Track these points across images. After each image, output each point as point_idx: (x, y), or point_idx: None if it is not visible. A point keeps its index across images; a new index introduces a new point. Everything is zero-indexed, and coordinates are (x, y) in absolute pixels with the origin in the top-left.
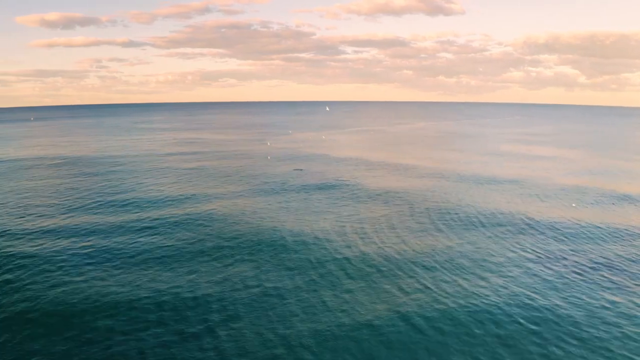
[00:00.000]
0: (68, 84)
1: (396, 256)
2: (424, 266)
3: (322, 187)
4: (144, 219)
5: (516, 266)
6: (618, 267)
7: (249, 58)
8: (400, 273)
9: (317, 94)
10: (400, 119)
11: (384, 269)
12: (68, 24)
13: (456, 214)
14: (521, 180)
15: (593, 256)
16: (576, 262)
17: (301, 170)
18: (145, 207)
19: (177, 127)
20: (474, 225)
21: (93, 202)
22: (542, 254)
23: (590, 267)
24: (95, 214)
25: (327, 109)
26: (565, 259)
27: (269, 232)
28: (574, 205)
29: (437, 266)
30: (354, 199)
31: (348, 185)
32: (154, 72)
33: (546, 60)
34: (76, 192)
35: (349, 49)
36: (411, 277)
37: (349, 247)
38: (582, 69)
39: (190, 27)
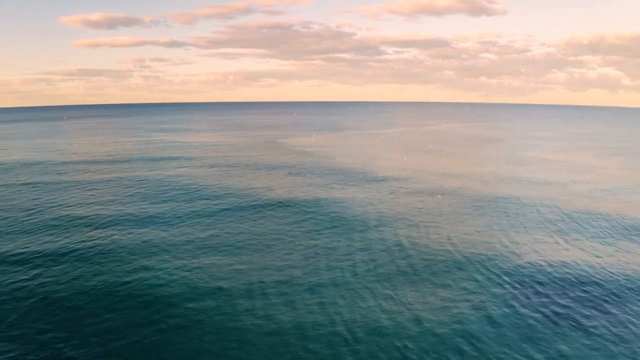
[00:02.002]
0: (112, 84)
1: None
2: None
3: (281, 206)
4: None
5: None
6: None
7: (290, 58)
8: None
9: (358, 94)
10: (431, 120)
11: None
12: (112, 24)
13: (434, 253)
14: (521, 199)
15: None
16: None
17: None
18: (38, 231)
19: (196, 128)
20: (451, 270)
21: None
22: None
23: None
24: None
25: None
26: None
27: (157, 282)
28: (577, 240)
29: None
30: (314, 224)
31: (319, 203)
32: (196, 72)
33: (589, 62)
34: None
35: (390, 49)
36: None
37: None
38: (626, 70)
39: (232, 28)
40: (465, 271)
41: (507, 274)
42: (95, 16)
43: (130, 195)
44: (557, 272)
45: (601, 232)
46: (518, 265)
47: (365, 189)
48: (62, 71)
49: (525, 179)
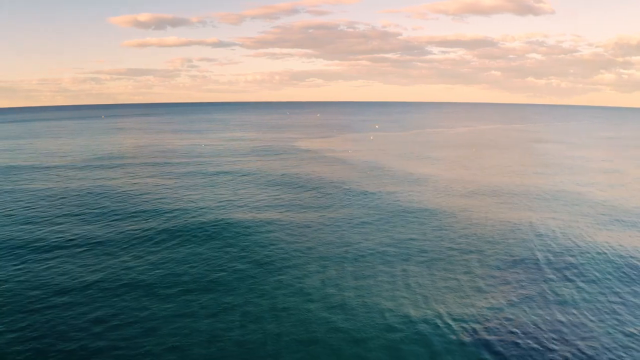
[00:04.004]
0: (160, 83)
1: None
2: None
3: (202, 234)
4: None
5: None
6: None
7: (336, 58)
8: None
9: (404, 94)
10: (467, 121)
11: None
12: (159, 24)
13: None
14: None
15: None
16: None
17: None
18: None
19: (220, 129)
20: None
21: None
22: None
23: None
24: None
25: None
26: None
27: None
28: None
29: None
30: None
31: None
32: (242, 72)
33: (638, 63)
34: None
35: (436, 49)
36: None
37: None
38: None
39: (278, 28)
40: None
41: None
42: (144, 17)
43: (69, 208)
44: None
45: (600, 279)
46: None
47: (343, 207)
48: (111, 70)
49: (537, 192)
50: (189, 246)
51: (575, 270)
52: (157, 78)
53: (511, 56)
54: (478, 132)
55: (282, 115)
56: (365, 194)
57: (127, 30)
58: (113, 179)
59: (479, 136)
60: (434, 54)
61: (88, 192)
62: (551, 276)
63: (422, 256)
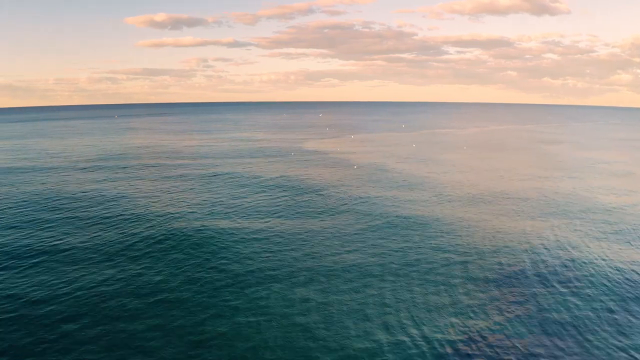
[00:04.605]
0: (176, 83)
1: None
2: None
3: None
4: None
5: None
6: None
7: (351, 58)
8: None
9: (419, 94)
10: (477, 122)
11: None
12: (175, 24)
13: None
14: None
15: None
16: None
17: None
18: None
19: (227, 128)
20: None
21: None
22: None
23: None
24: None
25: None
26: None
27: None
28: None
29: None
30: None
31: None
32: (258, 72)
33: None
34: None
35: (452, 49)
36: None
37: None
38: None
39: (293, 28)
40: None
41: None
42: (160, 17)
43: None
44: None
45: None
46: None
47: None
48: (127, 70)
49: (538, 197)
50: (172, 252)
51: (570, 285)
52: (173, 78)
53: (527, 56)
54: (489, 132)
55: (292, 116)
56: (356, 199)
57: (143, 31)
58: (110, 181)
59: (488, 137)
60: (450, 54)
61: (82, 195)
62: (540, 293)
63: (405, 269)
